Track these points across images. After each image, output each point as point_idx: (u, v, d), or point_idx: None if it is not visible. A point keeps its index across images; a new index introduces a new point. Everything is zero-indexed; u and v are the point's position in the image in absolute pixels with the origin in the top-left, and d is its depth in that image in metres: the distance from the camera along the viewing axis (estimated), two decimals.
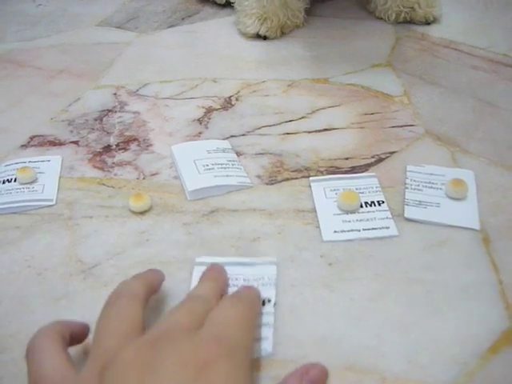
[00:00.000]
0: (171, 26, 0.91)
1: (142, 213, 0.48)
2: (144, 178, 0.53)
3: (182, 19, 0.95)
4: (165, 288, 0.41)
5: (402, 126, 0.59)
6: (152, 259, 0.44)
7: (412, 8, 0.86)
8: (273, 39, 0.82)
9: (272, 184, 0.51)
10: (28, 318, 0.39)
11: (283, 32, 0.84)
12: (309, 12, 0.88)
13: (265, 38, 0.82)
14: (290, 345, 0.36)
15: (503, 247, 0.43)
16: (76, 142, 0.59)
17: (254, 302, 0.32)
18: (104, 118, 0.64)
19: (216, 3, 0.98)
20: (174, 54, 0.80)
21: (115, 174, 0.54)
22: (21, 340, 0.38)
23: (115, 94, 0.69)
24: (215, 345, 0.27)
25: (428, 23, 0.86)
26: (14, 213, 0.49)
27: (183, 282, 0.42)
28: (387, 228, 0.45)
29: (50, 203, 0.50)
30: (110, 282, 0.42)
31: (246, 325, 0.31)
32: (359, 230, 0.45)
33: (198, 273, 0.41)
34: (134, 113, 0.64)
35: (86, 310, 0.40)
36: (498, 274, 0.41)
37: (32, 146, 0.59)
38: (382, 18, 0.88)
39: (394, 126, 0.59)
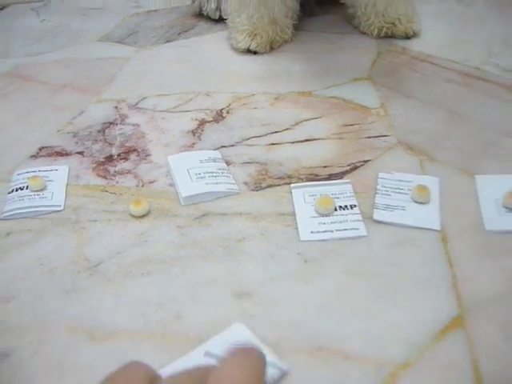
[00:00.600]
0: (168, 41, 0.97)
1: (141, 217, 0.54)
2: (143, 186, 0.59)
3: (179, 34, 1.01)
4: (160, 284, 0.47)
5: (377, 137, 0.65)
6: (150, 258, 0.50)
7: (393, 24, 0.92)
8: (262, 54, 0.88)
9: (257, 190, 0.57)
10: (42, 309, 0.45)
11: (272, 47, 0.90)
12: (297, 27, 0.94)
13: (255, 52, 0.88)
14: (268, 330, 0.42)
15: (459, 246, 0.49)
16: (81, 153, 0.65)
17: (260, 360, 0.28)
18: (106, 130, 0.69)
19: (210, 18, 1.04)
20: (170, 69, 0.86)
21: (117, 182, 0.60)
22: (35, 327, 0.44)
23: (116, 107, 0.75)
24: None
25: (408, 38, 0.92)
26: (26, 217, 0.55)
27: (177, 277, 0.47)
28: (357, 229, 0.51)
29: (59, 209, 0.56)
30: (113, 277, 0.48)
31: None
32: (332, 231, 0.51)
33: None
34: (134, 125, 0.70)
35: (92, 302, 0.46)
36: (452, 269, 0.47)
37: (41, 156, 0.65)
38: (365, 33, 0.94)
39: (369, 137, 0.65)
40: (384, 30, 0.92)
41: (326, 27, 0.98)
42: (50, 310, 0.45)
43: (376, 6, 0.91)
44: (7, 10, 1.23)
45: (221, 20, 1.01)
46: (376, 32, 0.92)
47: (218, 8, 1.02)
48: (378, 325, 0.42)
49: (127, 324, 0.44)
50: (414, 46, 0.90)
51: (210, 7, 1.03)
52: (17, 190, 0.58)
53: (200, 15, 1.06)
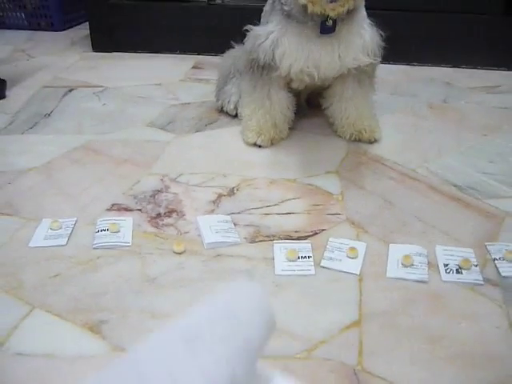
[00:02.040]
0: (198, 131, 1.34)
1: (180, 253, 0.88)
2: (181, 234, 0.93)
3: (205, 125, 1.38)
4: (190, 292, 0.80)
5: (333, 214, 1.00)
6: (184, 277, 0.83)
7: (360, 132, 1.28)
8: (265, 147, 1.24)
9: (252, 243, 0.92)
10: (122, 300, 0.79)
11: (272, 143, 1.26)
12: (291, 127, 1.31)
13: (260, 146, 1.24)
14: None
15: (367, 284, 0.83)
16: (140, 210, 1.00)
17: None
18: (156, 196, 1.05)
19: (229, 114, 1.41)
20: (199, 153, 1.22)
21: (164, 231, 0.94)
22: (119, 309, 0.77)
23: (162, 179, 1.10)
24: None
25: (371, 143, 1.28)
26: (108, 248, 0.89)
27: (200, 289, 0.81)
28: (309, 270, 0.85)
29: (128, 244, 0.90)
30: (163, 286, 0.81)
31: None
32: (295, 270, 0.85)
33: None
34: (174, 194, 1.05)
35: (152, 298, 0.79)
36: (360, 296, 0.80)
37: (113, 210, 1.00)
38: (340, 136, 1.30)
39: (328, 214, 1.00)
40: (354, 135, 1.28)
41: (312, 128, 1.35)
42: (127, 300, 0.79)
43: (348, 118, 1.28)
44: (74, 92, 1.62)
45: (236, 116, 1.39)
46: (348, 137, 1.29)
47: (235, 108, 1.39)
48: (311, 321, 0.76)
49: (172, 311, 0.77)
50: (373, 149, 1.26)
51: (229, 107, 1.40)
52: (101, 231, 0.93)
53: (222, 111, 1.43)
